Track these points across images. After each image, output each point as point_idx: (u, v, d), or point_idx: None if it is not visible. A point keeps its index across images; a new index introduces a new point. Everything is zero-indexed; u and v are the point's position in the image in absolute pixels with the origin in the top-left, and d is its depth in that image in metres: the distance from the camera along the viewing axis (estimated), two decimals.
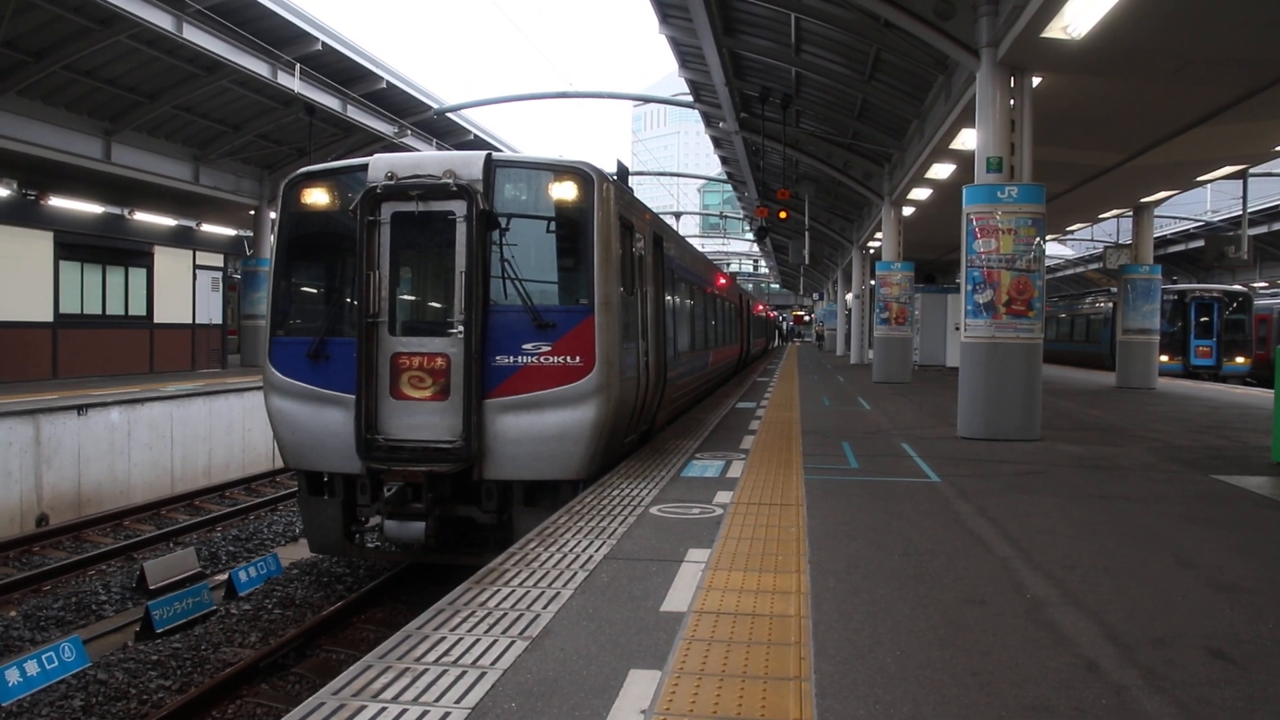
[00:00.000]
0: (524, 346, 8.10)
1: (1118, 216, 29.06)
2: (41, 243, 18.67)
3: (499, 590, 5.01)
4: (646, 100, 49.09)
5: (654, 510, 7.06)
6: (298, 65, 19.60)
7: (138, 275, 21.55)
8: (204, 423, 17.01)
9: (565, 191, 8.33)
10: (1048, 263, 23.66)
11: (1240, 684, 3.76)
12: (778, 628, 4.39)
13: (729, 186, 46.76)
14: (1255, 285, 40.75)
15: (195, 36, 16.97)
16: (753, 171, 27.34)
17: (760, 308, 49.76)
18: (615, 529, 6.42)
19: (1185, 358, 28.98)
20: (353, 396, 8.07)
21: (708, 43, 17.23)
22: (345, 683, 3.73)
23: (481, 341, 8.02)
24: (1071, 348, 35.75)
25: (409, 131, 25.43)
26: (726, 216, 63.58)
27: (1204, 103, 13.46)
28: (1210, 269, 42.27)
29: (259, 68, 18.98)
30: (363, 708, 3.50)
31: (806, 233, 27.54)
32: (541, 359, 8.09)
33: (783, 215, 22.56)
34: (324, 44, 19.77)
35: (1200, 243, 35.08)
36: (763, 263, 77.64)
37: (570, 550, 5.84)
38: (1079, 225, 30.61)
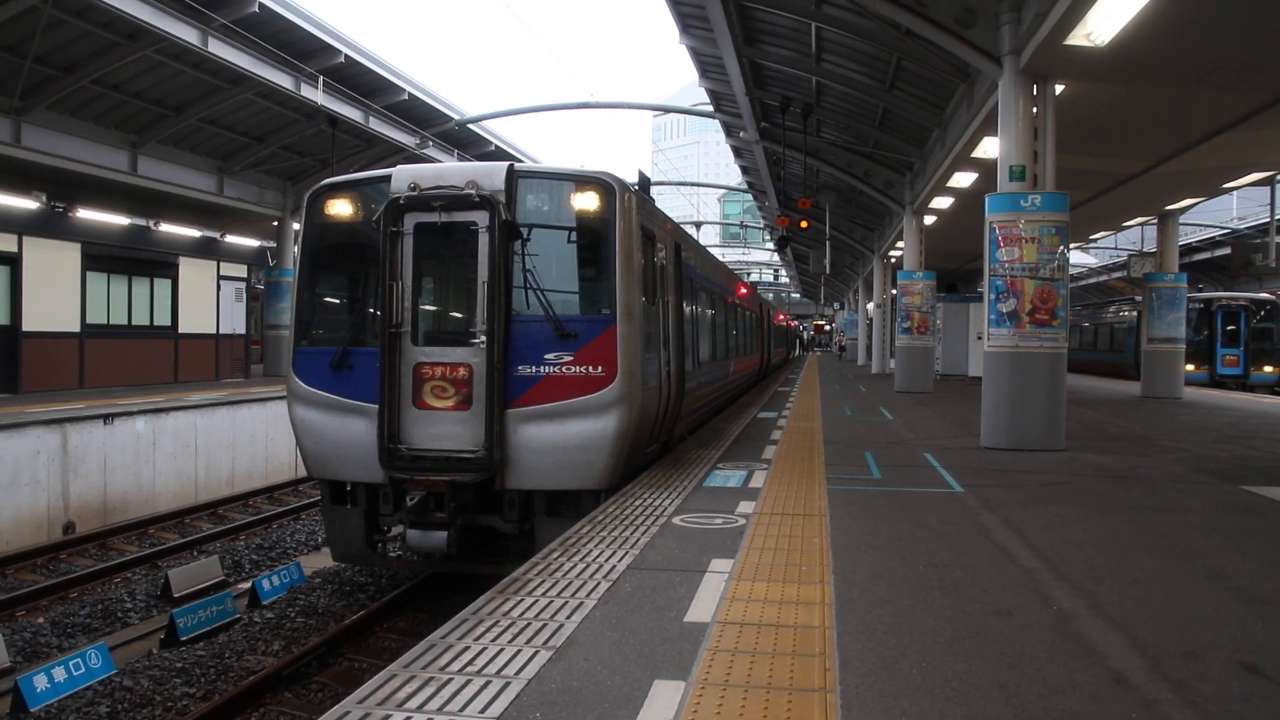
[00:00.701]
0: (546, 356, 8.11)
1: (1142, 224, 28.77)
2: (69, 254, 18.91)
3: (522, 600, 5.01)
4: (667, 110, 49.25)
5: (677, 520, 7.05)
6: (321, 78, 19.78)
7: (163, 286, 21.79)
8: (228, 432, 17.14)
9: (587, 202, 8.35)
10: (1071, 271, 23.51)
11: (1275, 699, 3.70)
12: (802, 639, 4.37)
13: (749, 196, 46.76)
14: None
15: (220, 50, 17.16)
16: (773, 181, 27.32)
17: (781, 317, 49.66)
18: (638, 539, 6.41)
19: (1212, 367, 28.67)
20: (375, 406, 8.11)
21: (728, 52, 17.25)
22: (370, 691, 3.74)
23: (504, 351, 8.04)
24: (1096, 357, 35.44)
25: (430, 143, 25.57)
26: (747, 226, 63.51)
27: (1229, 109, 13.33)
28: (1237, 277, 41.74)
29: (282, 80, 19.16)
30: (388, 716, 3.50)
31: (827, 242, 27.44)
32: (564, 369, 8.10)
33: (803, 224, 22.46)
34: (347, 56, 19.94)
35: (1226, 250, 34.74)
36: (783, 272, 77.53)
37: (593, 560, 5.84)
38: (1103, 233, 30.38)
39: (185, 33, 16.28)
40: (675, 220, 12.89)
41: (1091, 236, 31.41)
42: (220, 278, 23.81)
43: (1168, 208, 21.93)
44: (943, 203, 21.68)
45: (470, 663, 4.07)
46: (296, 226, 24.63)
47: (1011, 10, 11.37)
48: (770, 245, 61.19)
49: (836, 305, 70.14)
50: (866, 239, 35.59)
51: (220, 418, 16.97)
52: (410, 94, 22.89)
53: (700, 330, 13.81)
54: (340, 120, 21.19)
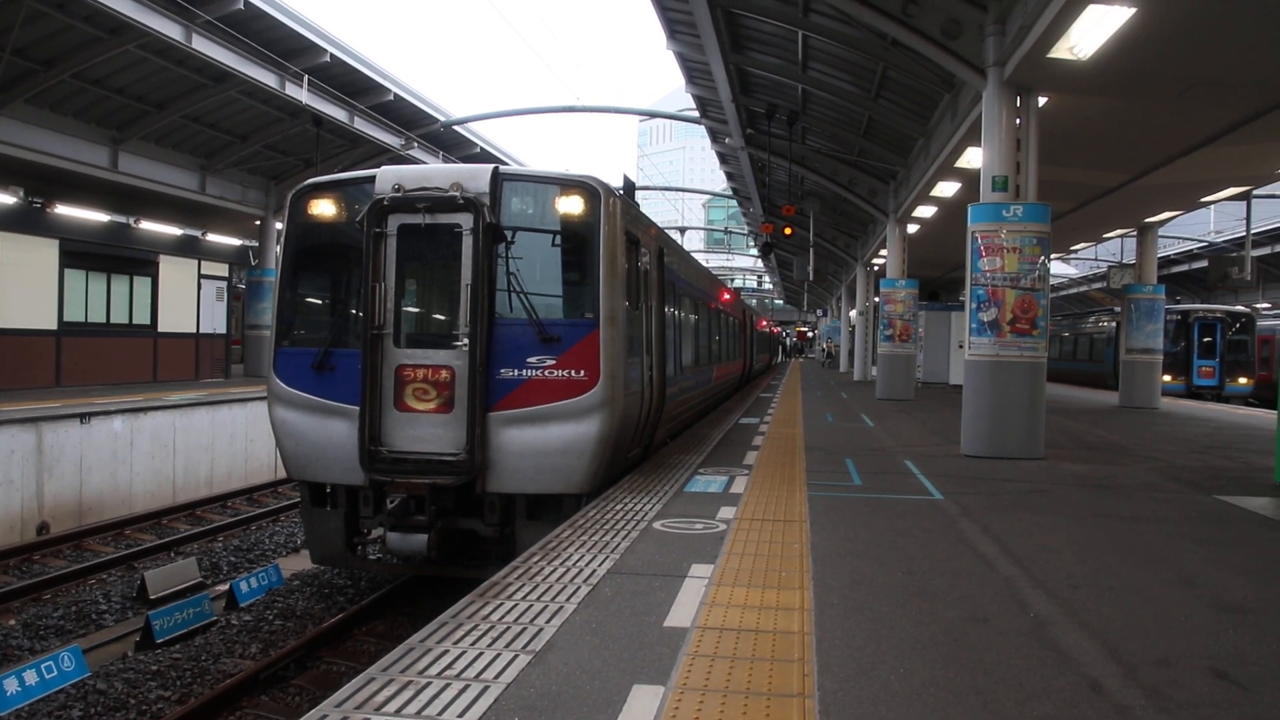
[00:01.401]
0: (529, 360, 8.11)
1: (1122, 236, 29.07)
2: (47, 250, 18.75)
3: (502, 604, 5.00)
4: (653, 115, 49.31)
5: (657, 525, 7.05)
6: (306, 76, 19.70)
7: (142, 284, 21.62)
8: (206, 432, 17.02)
9: (572, 205, 8.36)
10: (1052, 281, 23.66)
11: (1244, 705, 3.75)
12: (781, 644, 4.38)
13: (734, 202, 46.84)
14: (1258, 306, 40.72)
15: (204, 47, 17.06)
16: (758, 187, 27.39)
17: (764, 323, 49.78)
18: (619, 543, 6.42)
19: (1188, 378, 28.93)
20: (357, 408, 8.08)
21: (715, 59, 17.30)
22: (348, 695, 3.73)
23: (486, 354, 8.03)
24: (1075, 367, 35.71)
25: (416, 144, 25.51)
26: (731, 232, 63.61)
27: (1209, 124, 13.49)
28: (1213, 289, 42.18)
29: (267, 78, 19.07)
30: None
31: (811, 249, 27.57)
32: (546, 372, 8.10)
33: (788, 231, 22.63)
34: (332, 56, 19.88)
35: (1204, 263, 35.12)
36: (767, 279, 77.68)
37: (573, 564, 5.84)
38: (1083, 244, 30.66)
39: (169, 29, 16.18)
40: (660, 225, 12.91)
41: (1072, 247, 31.71)
42: (201, 277, 23.67)
43: (1147, 220, 22.16)
44: (926, 212, 21.81)
45: (449, 666, 4.06)
46: (279, 226, 24.50)
47: (996, 22, 11.47)
48: (754, 251, 61.33)
49: (819, 312, 70.43)
50: (850, 246, 35.75)
51: (199, 418, 16.85)
52: (396, 94, 22.83)
53: (683, 335, 13.83)
54: (325, 120, 21.11)
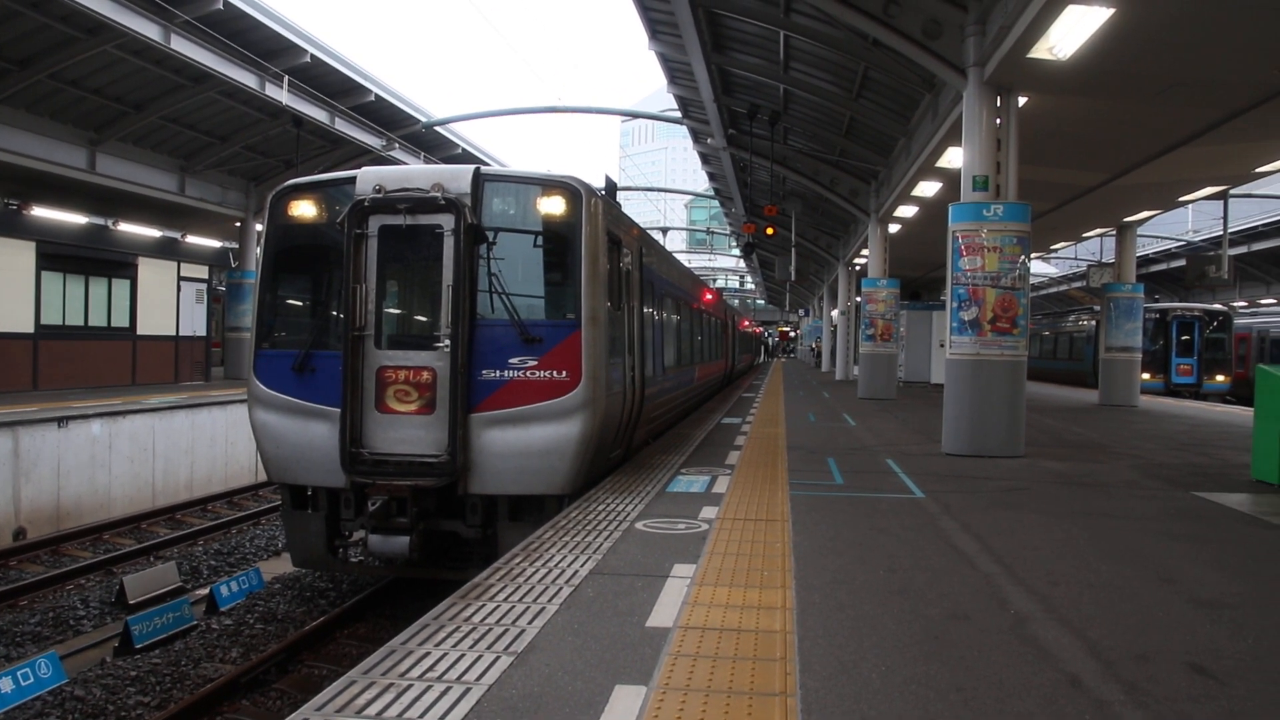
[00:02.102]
0: (510, 361, 8.09)
1: (1101, 235, 29.29)
2: (23, 253, 18.54)
3: (484, 605, 4.99)
4: (635, 116, 49.31)
5: (640, 525, 7.05)
6: (286, 77, 19.59)
7: (121, 286, 21.42)
8: (186, 435, 16.90)
9: (553, 206, 8.34)
10: (1032, 280, 23.77)
11: (1221, 699, 3.78)
12: (763, 643, 4.39)
13: (716, 202, 46.91)
14: (1235, 304, 41.13)
15: (183, 47, 16.94)
16: (740, 188, 27.43)
17: (746, 323, 49.88)
18: (601, 544, 6.41)
19: (1167, 376, 29.19)
20: (338, 410, 8.04)
21: (697, 59, 17.32)
22: (329, 698, 3.70)
23: (468, 355, 8.01)
24: (1055, 365, 35.96)
25: (397, 144, 25.43)
26: (713, 232, 63.66)
27: (1186, 124, 13.61)
28: (1191, 288, 42.54)
29: (247, 79, 18.96)
30: None
31: (793, 249, 27.65)
32: (528, 373, 8.08)
33: (770, 231, 22.64)
34: (313, 56, 19.77)
35: (1182, 262, 35.40)
36: (749, 279, 77.82)
37: (555, 565, 5.82)
38: (1063, 244, 30.86)
39: (147, 29, 16.06)
40: (642, 225, 12.91)
41: (1052, 247, 31.90)
42: (181, 279, 23.46)
43: (1126, 219, 22.33)
44: (907, 211, 21.91)
45: (431, 668, 4.05)
46: (259, 228, 24.37)
47: (976, 23, 11.53)
48: (736, 251, 61.43)
49: (801, 312, 70.62)
50: (832, 246, 35.87)
51: (179, 421, 16.72)
52: (377, 95, 22.74)
53: (665, 336, 13.84)
54: (305, 121, 21.00)
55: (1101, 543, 6.79)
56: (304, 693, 7.12)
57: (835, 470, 10.25)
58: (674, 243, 67.09)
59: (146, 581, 10.28)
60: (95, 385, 20.21)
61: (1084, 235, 28.36)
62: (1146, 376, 25.52)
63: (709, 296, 22.90)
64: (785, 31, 16.00)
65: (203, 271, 24.74)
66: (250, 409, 8.66)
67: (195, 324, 24.35)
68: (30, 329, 18.79)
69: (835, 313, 36.74)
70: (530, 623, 4.66)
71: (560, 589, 5.28)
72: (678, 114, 25.22)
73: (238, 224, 26.54)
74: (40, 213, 19.06)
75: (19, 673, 7.27)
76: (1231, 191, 21.96)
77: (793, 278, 30.05)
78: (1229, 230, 25.56)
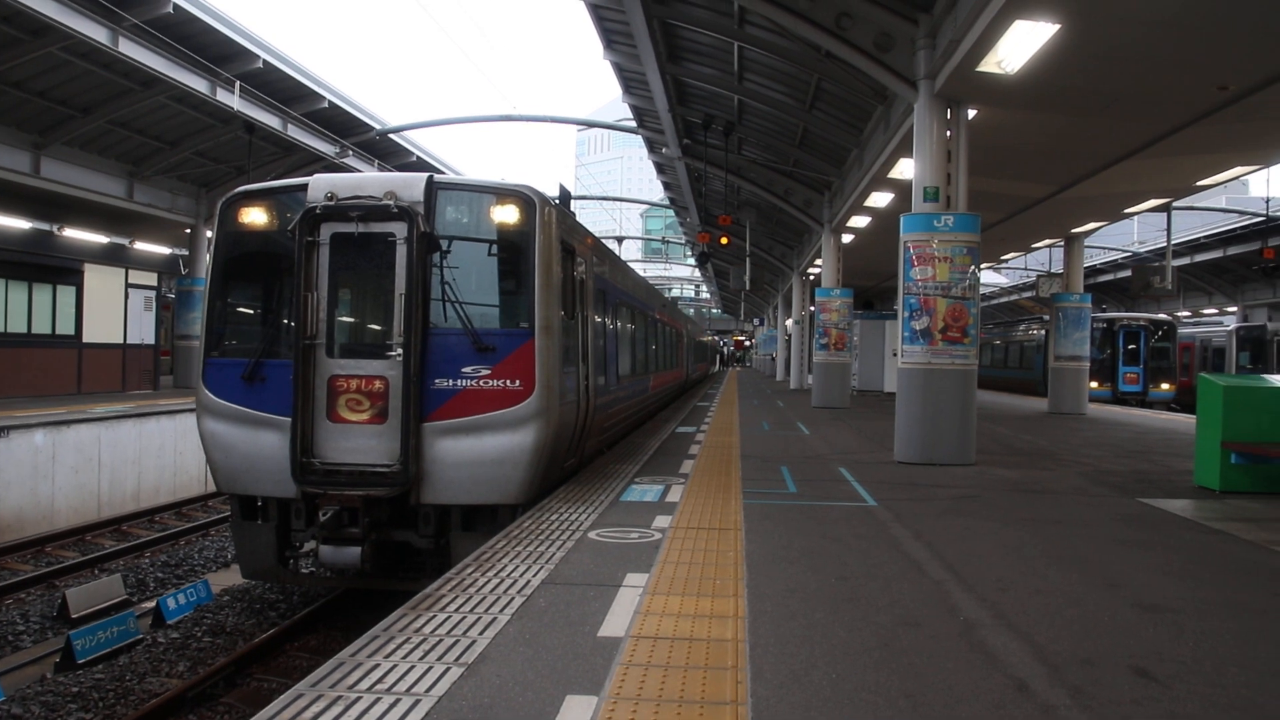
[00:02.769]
0: (463, 370, 8.04)
1: (1050, 246, 29.88)
2: None
3: (435, 616, 4.94)
4: (590, 125, 49.38)
5: (593, 535, 7.04)
6: (238, 83, 19.34)
7: (66, 293, 20.91)
8: (134, 445, 16.54)
9: (507, 215, 8.32)
10: (982, 290, 24.14)
11: (1163, 701, 3.86)
12: (715, 652, 4.40)
13: (671, 212, 47.09)
14: (1179, 314, 42.18)
15: (131, 51, 16.66)
16: (695, 197, 27.61)
17: (702, 333, 50.09)
18: (553, 554, 6.38)
19: (1114, 384, 29.79)
20: (288, 419, 7.93)
21: (651, 69, 17.40)
22: (276, 712, 3.64)
23: (420, 364, 7.95)
24: (1005, 374, 36.55)
25: (350, 152, 25.21)
26: (669, 242, 63.92)
27: (1131, 138, 13.93)
28: (1137, 298, 43.66)
29: (198, 84, 18.69)
30: None
31: (748, 258, 27.82)
32: (481, 382, 8.04)
33: (724, 241, 22.74)
34: (265, 62, 19.55)
35: (1128, 273, 36.26)
36: (704, 288, 78.22)
37: (508, 575, 5.79)
38: (1013, 254, 31.41)
39: (94, 31, 15.78)
40: (597, 235, 12.92)
41: (1002, 257, 32.46)
42: (129, 286, 22.97)
43: (1074, 230, 22.79)
44: (860, 222, 22.15)
45: (380, 680, 4.00)
46: (210, 234, 24.01)
47: (927, 36, 11.72)
48: (692, 261, 61.69)
49: (756, 321, 71.03)
50: (786, 256, 36.16)
51: (126, 430, 16.37)
52: (330, 102, 22.55)
53: (620, 345, 13.84)
54: (257, 127, 20.76)
55: (1050, 549, 6.90)
56: (252, 707, 6.99)
57: (789, 479, 10.31)
58: (629, 252, 67.17)
59: (90, 595, 10.04)
60: (39, 394, 19.72)
61: (1033, 246, 28.90)
62: (1094, 385, 26.03)
63: (664, 306, 22.96)
64: (739, 43, 16.13)
65: (152, 278, 24.24)
66: (199, 418, 8.52)
67: (144, 332, 23.85)
68: None
69: (789, 322, 37.04)
70: (481, 633, 4.63)
71: (512, 599, 5.25)
72: (633, 124, 25.30)
73: (188, 230, 26.11)
74: None
75: None
76: (1175, 204, 22.51)
77: (747, 287, 30.23)
78: (1173, 242, 26.21)
